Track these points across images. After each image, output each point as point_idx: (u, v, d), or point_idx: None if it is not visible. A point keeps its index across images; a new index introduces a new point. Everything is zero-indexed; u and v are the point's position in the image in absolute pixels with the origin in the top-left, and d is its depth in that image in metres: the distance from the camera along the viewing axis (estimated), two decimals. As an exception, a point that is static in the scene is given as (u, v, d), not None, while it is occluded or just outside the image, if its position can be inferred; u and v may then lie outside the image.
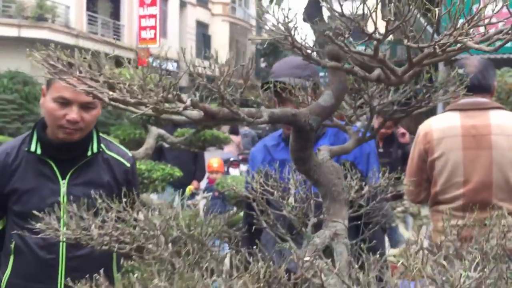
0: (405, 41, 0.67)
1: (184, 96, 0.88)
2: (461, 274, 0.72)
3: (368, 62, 0.86)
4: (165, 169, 3.39)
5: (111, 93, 0.80)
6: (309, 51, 0.88)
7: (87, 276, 1.16)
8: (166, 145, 4.23)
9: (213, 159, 6.13)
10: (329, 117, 1.09)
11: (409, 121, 6.13)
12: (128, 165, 2.17)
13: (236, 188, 1.69)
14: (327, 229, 1.04)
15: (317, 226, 1.31)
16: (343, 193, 1.07)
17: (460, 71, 1.32)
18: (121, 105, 0.82)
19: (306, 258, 0.77)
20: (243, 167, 10.92)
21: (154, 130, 3.79)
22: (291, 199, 1.53)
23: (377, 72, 0.89)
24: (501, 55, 8.66)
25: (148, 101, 0.79)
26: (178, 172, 3.47)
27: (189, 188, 5.42)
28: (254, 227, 1.50)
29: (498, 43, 0.72)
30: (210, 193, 5.15)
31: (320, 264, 0.91)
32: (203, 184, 6.10)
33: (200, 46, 26.56)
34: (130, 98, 0.80)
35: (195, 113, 0.90)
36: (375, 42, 0.71)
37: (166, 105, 0.83)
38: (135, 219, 1.25)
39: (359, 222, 1.38)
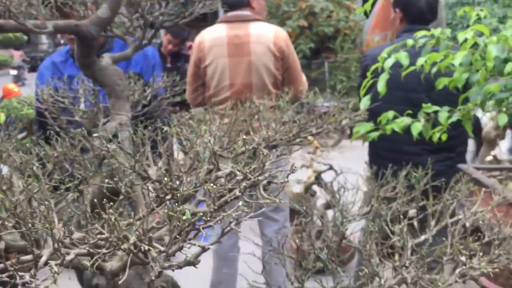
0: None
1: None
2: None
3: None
4: None
5: None
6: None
7: None
8: None
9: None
10: (107, 27, 1.28)
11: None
12: None
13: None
14: (114, 121, 1.28)
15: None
16: (125, 91, 1.31)
17: (216, -12, 1.61)
18: None
19: (101, 135, 0.99)
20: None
21: None
22: (82, 106, 1.72)
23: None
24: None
25: None
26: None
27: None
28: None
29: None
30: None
31: (112, 146, 1.16)
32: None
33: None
34: None
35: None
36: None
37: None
38: None
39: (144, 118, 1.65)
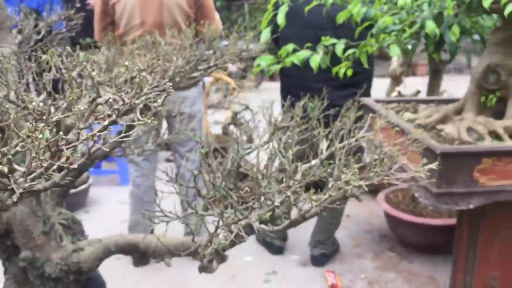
0: None
1: None
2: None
3: None
4: None
5: None
6: None
7: None
8: None
9: None
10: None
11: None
12: None
13: None
14: (-6, 53, 1.20)
15: None
16: (6, 22, 1.22)
17: None
18: None
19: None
20: None
21: None
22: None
23: None
24: None
25: None
26: None
27: None
28: None
29: None
30: None
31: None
32: None
33: None
34: None
35: None
36: None
37: None
38: None
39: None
